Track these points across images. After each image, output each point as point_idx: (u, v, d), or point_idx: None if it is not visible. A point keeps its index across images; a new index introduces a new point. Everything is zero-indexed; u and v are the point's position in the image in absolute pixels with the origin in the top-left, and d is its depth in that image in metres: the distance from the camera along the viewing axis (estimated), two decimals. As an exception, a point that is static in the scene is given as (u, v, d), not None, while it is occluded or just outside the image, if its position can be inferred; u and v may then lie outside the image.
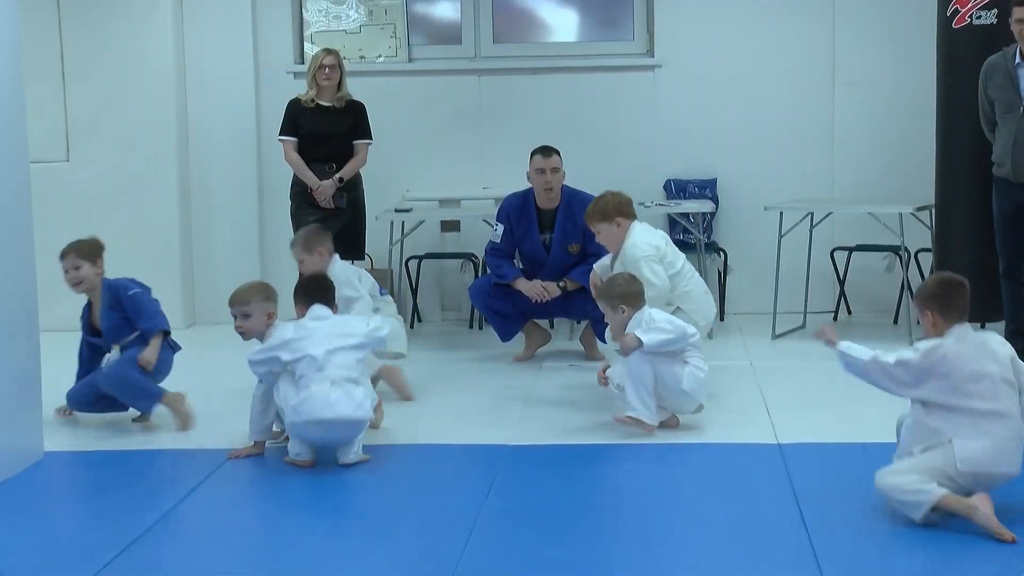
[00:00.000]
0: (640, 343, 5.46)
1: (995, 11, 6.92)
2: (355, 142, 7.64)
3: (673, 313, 5.93)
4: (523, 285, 7.04)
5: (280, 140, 7.68)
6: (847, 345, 4.53)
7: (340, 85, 7.61)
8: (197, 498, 4.87)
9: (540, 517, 4.60)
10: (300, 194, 7.65)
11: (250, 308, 5.48)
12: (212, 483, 5.05)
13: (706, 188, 8.36)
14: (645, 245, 6.14)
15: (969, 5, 7.01)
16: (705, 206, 8.02)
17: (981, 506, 4.18)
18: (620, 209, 6.21)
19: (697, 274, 6.38)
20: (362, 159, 7.68)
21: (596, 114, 8.44)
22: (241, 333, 5.51)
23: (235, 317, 5.49)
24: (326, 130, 7.58)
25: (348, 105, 7.64)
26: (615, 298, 5.66)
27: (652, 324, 5.55)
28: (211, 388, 6.33)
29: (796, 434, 5.50)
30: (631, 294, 5.66)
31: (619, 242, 6.19)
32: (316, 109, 7.61)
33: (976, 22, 6.99)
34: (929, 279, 4.86)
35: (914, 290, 7.78)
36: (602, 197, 6.31)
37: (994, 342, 4.49)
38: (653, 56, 8.46)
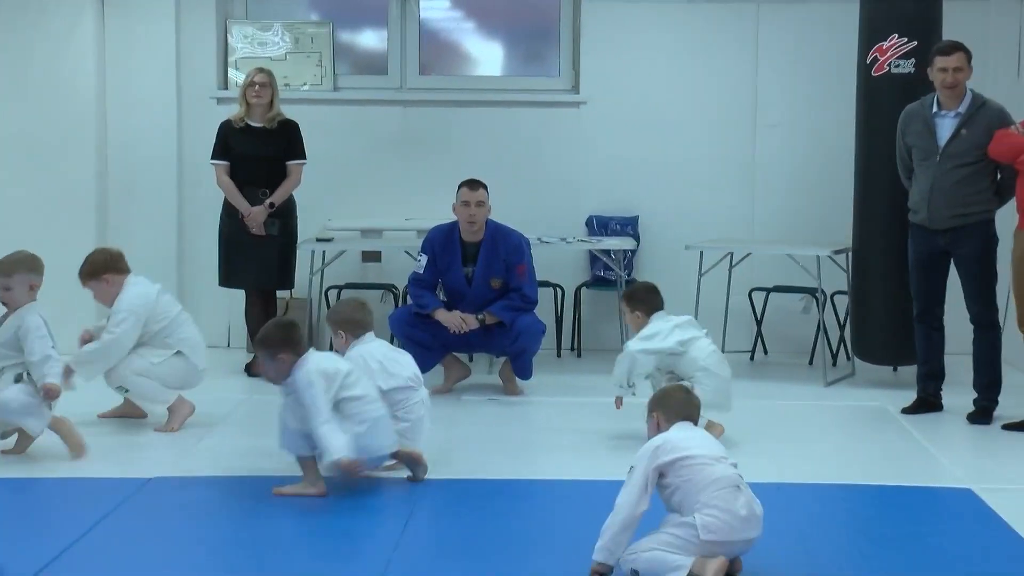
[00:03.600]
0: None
1: (913, 60, 7.06)
2: (288, 163, 7.54)
3: (175, 356, 6.20)
4: (442, 316, 7.04)
5: (212, 164, 7.56)
6: None
7: (271, 105, 7.50)
8: (101, 531, 4.76)
9: (457, 551, 4.58)
10: (231, 217, 7.52)
11: (11, 280, 5.58)
12: (119, 514, 4.95)
13: (628, 225, 8.42)
14: (129, 300, 6.17)
15: (888, 54, 7.14)
16: (626, 243, 8.07)
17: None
18: (108, 266, 6.25)
19: (193, 323, 6.42)
20: (295, 180, 7.55)
21: (521, 148, 8.47)
22: (3, 303, 5.61)
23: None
24: (258, 152, 7.46)
25: (280, 126, 7.52)
26: (335, 323, 5.74)
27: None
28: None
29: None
30: (352, 321, 5.70)
31: (113, 297, 6.22)
32: (247, 130, 7.50)
33: (895, 71, 7.13)
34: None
35: (829, 332, 7.90)
36: (92, 255, 6.35)
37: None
38: (578, 92, 8.52)
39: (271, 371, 5.21)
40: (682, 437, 4.29)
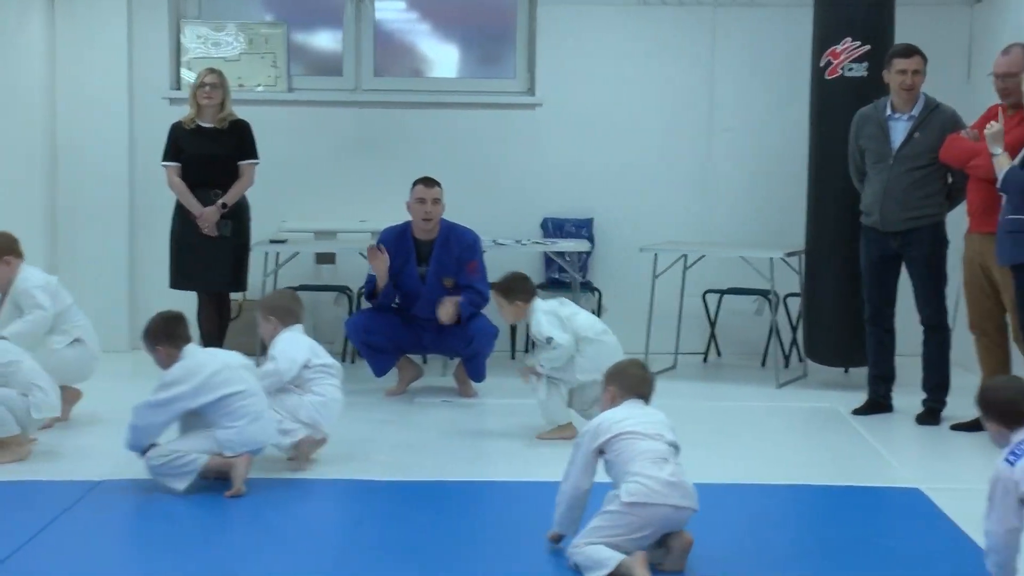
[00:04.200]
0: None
1: (866, 64, 7.11)
2: (240, 163, 7.48)
3: (71, 345, 6.30)
4: (379, 273, 7.04)
5: (163, 166, 7.49)
6: None
7: (223, 105, 7.45)
8: (50, 535, 4.71)
9: (408, 552, 4.57)
10: (183, 218, 7.45)
11: None
12: (68, 518, 4.90)
13: (583, 227, 8.43)
14: (35, 281, 6.30)
15: (841, 58, 7.19)
16: (581, 245, 8.08)
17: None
18: (8, 249, 6.33)
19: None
20: (248, 181, 7.49)
21: (476, 150, 8.46)
22: None
23: None
24: (209, 152, 7.40)
25: (231, 126, 7.46)
26: (268, 308, 5.81)
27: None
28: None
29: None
30: (285, 309, 5.78)
31: (9, 281, 6.30)
32: (197, 131, 7.44)
33: (848, 74, 7.18)
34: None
35: (781, 334, 7.95)
36: None
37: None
38: (534, 94, 8.52)
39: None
40: (623, 416, 4.40)
